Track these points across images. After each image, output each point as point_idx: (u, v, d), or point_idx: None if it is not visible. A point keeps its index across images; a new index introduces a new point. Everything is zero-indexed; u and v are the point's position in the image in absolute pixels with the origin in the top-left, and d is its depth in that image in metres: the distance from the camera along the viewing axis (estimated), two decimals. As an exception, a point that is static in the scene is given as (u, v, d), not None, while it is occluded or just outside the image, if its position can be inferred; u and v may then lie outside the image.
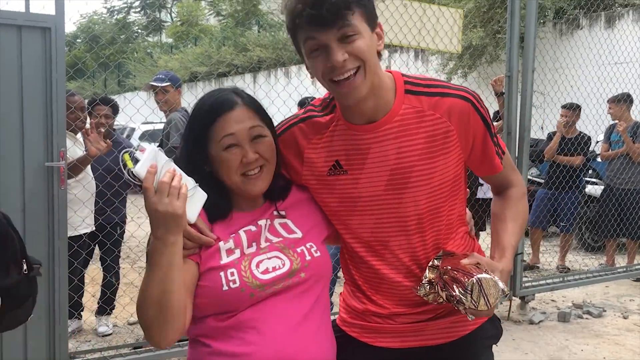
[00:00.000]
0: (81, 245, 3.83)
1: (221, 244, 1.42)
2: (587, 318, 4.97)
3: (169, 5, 38.57)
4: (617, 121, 6.35)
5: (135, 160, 1.26)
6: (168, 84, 4.10)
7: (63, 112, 3.05)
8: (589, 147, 6.55)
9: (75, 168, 3.59)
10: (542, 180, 7.22)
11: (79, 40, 37.71)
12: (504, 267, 1.51)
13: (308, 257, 1.47)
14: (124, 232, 4.52)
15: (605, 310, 5.13)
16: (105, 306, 4.43)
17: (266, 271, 1.41)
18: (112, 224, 4.27)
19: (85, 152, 3.70)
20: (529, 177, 8.41)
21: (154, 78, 4.10)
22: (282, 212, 1.54)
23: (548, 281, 5.22)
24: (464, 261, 1.47)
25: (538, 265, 6.68)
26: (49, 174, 3.05)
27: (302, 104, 5.04)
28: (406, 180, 1.50)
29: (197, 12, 33.62)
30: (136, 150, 1.27)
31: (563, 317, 4.88)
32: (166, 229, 1.27)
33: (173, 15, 37.55)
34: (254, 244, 1.45)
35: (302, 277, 1.44)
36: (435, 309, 1.59)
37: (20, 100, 2.96)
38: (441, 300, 1.47)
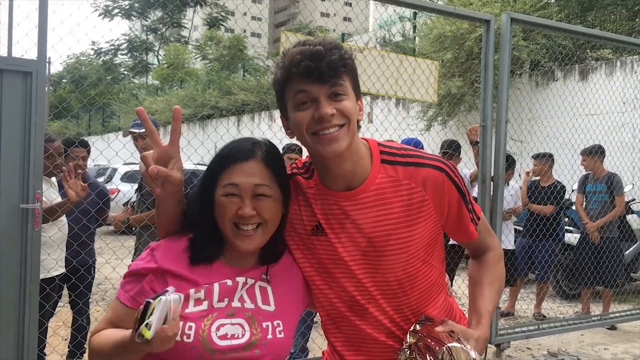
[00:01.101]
0: (53, 287, 3.80)
1: (192, 291, 1.41)
2: (561, 366, 4.98)
3: (156, 48, 39.07)
4: (590, 172, 6.51)
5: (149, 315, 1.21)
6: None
7: (41, 154, 3.08)
8: (562, 196, 6.69)
9: (52, 212, 3.60)
10: (521, 228, 7.33)
11: (64, 81, 37.89)
12: (480, 335, 1.53)
13: (269, 336, 1.45)
14: (94, 275, 4.49)
15: (579, 359, 5.15)
16: (76, 350, 4.36)
17: (224, 337, 1.40)
18: (85, 266, 4.25)
19: (61, 197, 3.71)
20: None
21: (132, 124, 4.14)
22: (267, 277, 1.52)
23: (523, 329, 5.23)
24: (438, 329, 1.50)
25: (513, 312, 6.71)
26: (24, 216, 3.05)
27: (287, 150, 5.11)
28: (383, 248, 1.53)
29: (184, 55, 34.09)
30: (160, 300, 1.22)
31: (538, 365, 4.89)
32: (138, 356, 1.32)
33: (160, 57, 37.99)
34: (225, 299, 1.44)
35: (256, 354, 1.42)
36: None
37: (-2, 142, 2.98)
38: None
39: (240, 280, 1.47)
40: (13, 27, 3.09)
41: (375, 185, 1.52)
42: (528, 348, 5.49)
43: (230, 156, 1.45)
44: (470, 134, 5.13)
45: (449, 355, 1.41)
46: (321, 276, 1.58)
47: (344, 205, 1.53)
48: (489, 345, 4.86)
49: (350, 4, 5.45)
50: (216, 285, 1.43)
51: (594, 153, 6.41)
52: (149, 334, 1.18)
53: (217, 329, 1.39)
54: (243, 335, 1.41)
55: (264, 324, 1.45)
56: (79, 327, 4.27)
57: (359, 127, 1.50)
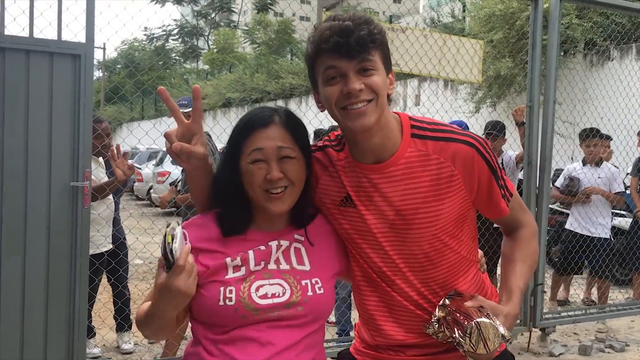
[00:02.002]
0: (101, 263, 3.96)
1: (228, 260, 1.46)
2: (609, 352, 4.86)
3: (206, 34, 39.55)
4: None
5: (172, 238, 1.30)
6: (189, 109, 4.20)
7: (89, 135, 3.20)
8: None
9: (100, 190, 3.74)
10: (568, 212, 7.14)
11: (119, 67, 38.86)
12: (510, 311, 1.52)
13: (310, 293, 1.48)
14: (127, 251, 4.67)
15: (628, 345, 5.02)
16: (124, 322, 4.54)
17: (264, 296, 1.44)
18: (118, 242, 4.41)
19: (108, 176, 3.85)
20: (558, 208, 8.32)
21: (176, 104, 4.24)
22: (301, 237, 1.56)
23: (570, 313, 5.13)
24: (467, 304, 1.50)
25: (568, 299, 6.57)
26: (74, 194, 3.19)
27: (316, 135, 5.13)
28: (411, 221, 1.54)
29: (233, 40, 34.38)
30: (174, 229, 1.31)
31: (584, 351, 4.79)
32: (175, 305, 1.36)
33: (210, 42, 38.44)
34: (262, 262, 1.48)
35: (298, 311, 1.46)
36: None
37: (49, 123, 3.12)
38: (450, 340, 1.49)
39: (273, 243, 1.51)
40: (62, 12, 3.19)
41: (405, 159, 1.53)
42: (575, 333, 5.39)
43: (251, 124, 1.49)
44: (516, 114, 5.02)
45: (477, 330, 1.41)
46: (352, 243, 1.61)
47: (372, 178, 1.55)
48: (534, 329, 4.79)
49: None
50: (250, 252, 1.48)
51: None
52: (175, 256, 1.28)
53: (257, 289, 1.45)
54: (283, 293, 1.46)
55: (303, 282, 1.49)
56: (125, 300, 4.46)
57: (389, 100, 1.52)
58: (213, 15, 40.11)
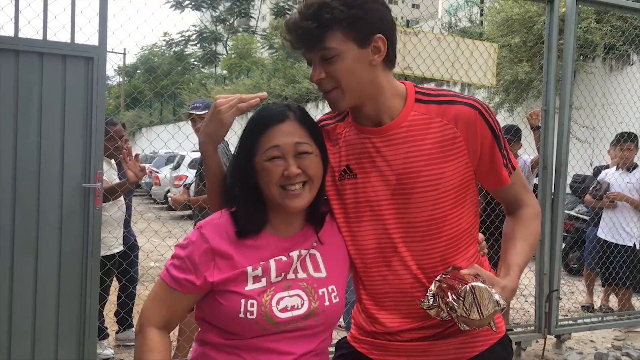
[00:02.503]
0: (113, 264, 3.99)
1: (249, 269, 1.43)
2: (625, 361, 4.78)
3: (224, 39, 39.84)
4: None
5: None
6: (205, 111, 4.25)
7: (101, 136, 3.22)
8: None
9: (112, 191, 3.77)
10: (588, 218, 7.03)
11: (138, 71, 39.29)
12: (507, 284, 1.51)
13: (327, 303, 1.48)
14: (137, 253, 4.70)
15: (646, 354, 4.93)
16: (127, 317, 4.60)
17: (285, 309, 1.43)
18: (129, 244, 4.44)
19: (120, 178, 3.88)
20: (575, 214, 8.21)
21: (191, 106, 4.26)
22: (316, 244, 1.54)
23: (586, 320, 5.05)
24: (464, 271, 1.48)
25: (593, 305, 6.47)
26: (86, 195, 3.21)
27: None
28: (413, 184, 1.53)
29: (251, 45, 34.58)
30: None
31: (600, 359, 4.71)
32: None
33: (228, 47, 38.71)
34: (283, 273, 1.46)
35: (315, 321, 1.47)
36: (441, 324, 1.59)
37: (62, 125, 3.15)
38: (444, 314, 1.46)
39: (294, 254, 1.49)
40: (75, 15, 3.23)
41: (407, 122, 1.54)
42: (591, 341, 5.30)
43: (265, 122, 1.47)
44: (531, 118, 4.96)
45: (472, 294, 1.38)
46: (350, 223, 1.61)
47: (375, 141, 1.56)
48: (549, 336, 4.72)
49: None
50: (272, 262, 1.46)
51: None
52: None
53: (277, 302, 1.43)
54: (302, 305, 1.45)
55: (320, 291, 1.49)
56: (123, 302, 4.49)
57: (389, 61, 1.52)
58: (232, 20, 40.41)
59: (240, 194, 1.50)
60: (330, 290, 1.50)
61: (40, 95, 3.10)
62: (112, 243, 3.99)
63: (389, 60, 1.52)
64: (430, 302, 1.47)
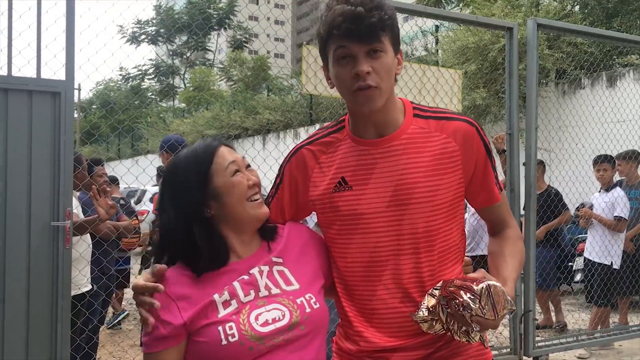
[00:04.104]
0: (83, 304, 3.84)
1: (216, 296, 1.41)
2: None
3: (182, 72, 39.74)
4: (624, 178, 6.34)
5: None
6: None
7: (70, 172, 3.13)
8: (558, 202, 6.49)
9: (81, 228, 3.65)
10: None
11: (94, 107, 38.75)
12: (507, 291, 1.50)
13: (308, 310, 1.46)
14: (112, 291, 4.56)
15: (619, 370, 5.00)
16: None
17: (265, 323, 1.41)
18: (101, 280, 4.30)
19: (84, 214, 3.78)
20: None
21: (161, 143, 4.23)
22: (280, 259, 1.54)
23: (562, 340, 5.10)
24: (472, 274, 1.47)
25: (551, 325, 6.55)
26: (54, 233, 3.10)
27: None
28: (409, 196, 1.55)
29: (209, 77, 34.57)
30: None
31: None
32: None
33: (186, 80, 38.60)
34: (251, 291, 1.45)
35: (302, 330, 1.44)
36: (431, 344, 1.57)
37: (29, 162, 3.05)
38: (438, 327, 1.44)
39: (255, 271, 1.49)
40: (42, 50, 3.16)
41: (407, 135, 1.58)
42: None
43: (209, 151, 1.53)
44: (496, 142, 5.06)
45: (488, 292, 1.36)
46: (341, 236, 1.61)
47: (374, 152, 1.59)
48: (526, 358, 4.74)
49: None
50: (236, 284, 1.45)
51: (630, 158, 6.22)
52: None
53: (256, 318, 1.41)
54: (283, 316, 1.43)
55: (298, 301, 1.47)
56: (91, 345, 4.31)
57: (396, 80, 1.58)
58: (188, 54, 40.38)
59: (192, 234, 1.45)
60: (308, 298, 1.49)
61: (5, 132, 3.00)
62: (82, 282, 3.85)
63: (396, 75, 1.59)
64: (425, 314, 1.45)
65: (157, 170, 6.78)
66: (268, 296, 1.46)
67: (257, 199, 1.51)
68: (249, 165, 1.54)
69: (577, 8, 12.30)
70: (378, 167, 1.57)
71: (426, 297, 1.49)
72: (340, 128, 1.67)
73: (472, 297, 1.36)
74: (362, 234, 1.58)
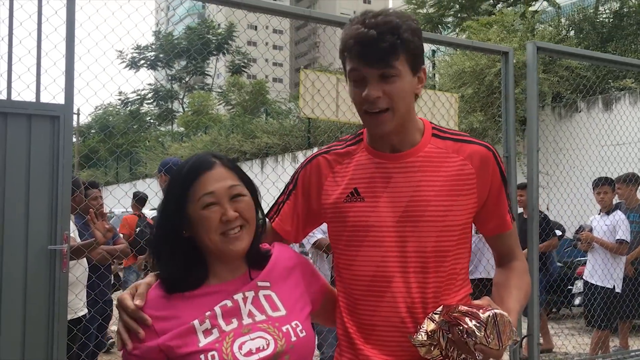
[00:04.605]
0: (79, 329, 3.82)
1: (196, 323, 1.37)
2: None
3: (181, 96, 39.97)
4: (623, 201, 6.34)
5: None
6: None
7: (68, 196, 3.13)
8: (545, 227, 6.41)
9: (78, 252, 3.64)
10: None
11: (92, 131, 38.87)
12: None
13: (294, 338, 1.42)
14: (109, 316, 4.52)
15: (620, 395, 4.95)
16: None
17: (249, 353, 1.36)
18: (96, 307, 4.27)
19: (80, 237, 3.77)
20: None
21: (159, 167, 4.25)
22: (267, 283, 1.49)
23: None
24: (477, 301, 1.45)
25: (551, 348, 6.49)
26: (52, 257, 3.09)
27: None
28: (421, 214, 1.54)
29: (208, 101, 34.76)
30: None
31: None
32: None
33: (184, 105, 38.80)
34: (234, 320, 1.40)
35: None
36: None
37: (27, 185, 3.05)
38: (436, 353, 1.41)
39: (238, 297, 1.43)
40: (41, 74, 3.18)
41: (424, 152, 1.58)
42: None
43: (193, 170, 1.44)
44: None
45: (494, 321, 1.34)
46: (349, 247, 1.59)
47: (390, 166, 1.59)
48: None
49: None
50: (217, 310, 1.40)
51: (629, 181, 6.23)
52: None
53: (240, 347, 1.36)
54: (268, 345, 1.38)
55: (284, 328, 1.42)
56: None
57: (417, 97, 1.57)
58: (187, 79, 40.65)
59: (171, 250, 1.43)
60: (294, 326, 1.44)
61: (4, 156, 3.01)
62: (78, 306, 3.83)
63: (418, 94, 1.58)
64: (424, 338, 1.43)
65: (133, 196, 6.83)
66: (252, 323, 1.41)
67: (232, 234, 1.42)
68: (237, 195, 1.44)
69: (572, 33, 12.44)
70: (392, 181, 1.57)
71: (425, 320, 1.47)
72: (358, 141, 1.67)
73: (478, 325, 1.34)
74: (369, 247, 1.57)
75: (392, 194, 1.56)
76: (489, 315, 1.34)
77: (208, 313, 1.38)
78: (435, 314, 1.48)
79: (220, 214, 1.40)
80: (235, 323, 1.40)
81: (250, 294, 1.45)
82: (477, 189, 1.57)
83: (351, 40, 1.47)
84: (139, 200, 7.28)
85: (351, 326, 1.61)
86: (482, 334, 1.33)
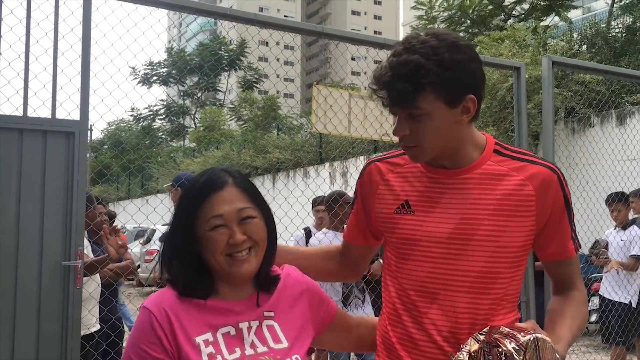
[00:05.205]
0: (92, 344, 3.81)
1: (202, 344, 1.35)
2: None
3: (193, 112, 40.24)
4: (639, 215, 6.27)
5: None
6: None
7: (82, 211, 3.14)
8: None
9: (92, 268, 3.65)
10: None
11: (105, 147, 39.20)
12: (559, 350, 1.41)
13: None
14: (122, 332, 4.52)
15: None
16: None
17: None
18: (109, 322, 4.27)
19: (93, 253, 3.78)
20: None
21: (172, 182, 4.27)
22: (271, 313, 1.47)
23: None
24: (521, 324, 1.39)
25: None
26: (65, 273, 3.10)
27: (315, 202, 5.14)
28: (472, 233, 1.49)
29: (220, 117, 34.96)
30: None
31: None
32: None
33: (196, 120, 39.05)
34: (237, 349, 1.38)
35: None
36: None
37: (42, 201, 3.06)
38: None
39: (244, 326, 1.41)
40: (57, 91, 3.21)
41: (481, 170, 1.53)
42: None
43: (204, 189, 1.41)
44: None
45: (535, 346, 1.28)
46: (397, 259, 1.57)
47: (445, 182, 1.54)
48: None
49: (381, 62, 5.50)
50: (220, 338, 1.38)
51: None
52: None
53: None
54: None
55: None
56: None
57: (475, 118, 1.51)
58: (199, 94, 40.95)
59: (180, 265, 1.41)
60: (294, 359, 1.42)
61: (19, 172, 3.03)
62: (91, 322, 3.83)
63: (475, 116, 1.53)
64: (465, 358, 1.38)
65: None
66: (254, 355, 1.39)
67: (239, 256, 1.39)
68: (247, 217, 1.40)
69: (584, 47, 12.41)
70: (446, 197, 1.53)
71: (470, 340, 1.42)
72: None
73: (517, 348, 1.29)
74: (416, 261, 1.54)
75: (444, 210, 1.52)
76: (529, 339, 1.29)
77: (211, 338, 1.37)
78: (481, 334, 1.43)
79: (227, 236, 1.38)
80: (238, 353, 1.38)
81: (255, 324, 1.43)
82: (536, 211, 1.50)
83: (374, 80, 1.46)
84: None
85: (394, 336, 1.58)
86: (521, 357, 1.28)
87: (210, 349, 1.35)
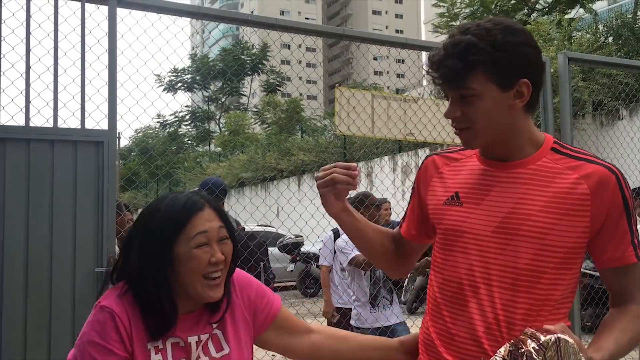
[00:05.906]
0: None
1: (152, 351, 1.41)
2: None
3: (217, 117, 40.59)
4: None
5: None
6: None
7: (113, 219, 3.21)
8: None
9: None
10: (597, 274, 6.94)
11: (133, 154, 39.75)
12: (595, 357, 1.34)
13: None
14: None
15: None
16: None
17: None
18: None
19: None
20: (583, 270, 8.13)
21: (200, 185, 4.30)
22: (216, 323, 1.51)
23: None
24: (550, 326, 1.32)
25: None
26: (99, 279, 3.16)
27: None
28: (518, 227, 1.46)
29: (244, 121, 35.22)
30: None
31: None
32: None
33: (221, 125, 39.37)
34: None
35: None
36: None
37: (74, 210, 3.14)
38: None
39: (193, 340, 1.46)
40: (85, 101, 3.28)
41: (535, 165, 1.50)
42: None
43: (188, 209, 1.44)
44: None
45: (556, 347, 1.23)
46: (442, 251, 1.58)
47: (496, 174, 1.53)
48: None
49: (404, 61, 5.57)
50: (168, 347, 1.43)
51: None
52: None
53: None
54: None
55: None
56: None
57: (532, 107, 1.48)
58: (223, 99, 41.30)
59: (154, 289, 1.42)
60: None
61: (51, 182, 3.11)
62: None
63: (531, 105, 1.49)
64: None
65: None
66: None
67: (214, 277, 1.43)
68: (224, 238, 1.46)
69: (610, 39, 12.20)
70: (495, 189, 1.51)
71: (506, 344, 1.35)
72: None
73: (537, 348, 1.25)
74: (459, 253, 1.53)
75: (492, 203, 1.50)
76: (550, 339, 1.25)
77: (161, 346, 1.42)
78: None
79: (210, 254, 1.42)
80: None
81: (204, 337, 1.48)
82: (591, 212, 1.44)
83: (428, 62, 1.47)
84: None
85: (434, 331, 1.57)
86: (540, 358, 1.24)
87: (159, 357, 1.41)
